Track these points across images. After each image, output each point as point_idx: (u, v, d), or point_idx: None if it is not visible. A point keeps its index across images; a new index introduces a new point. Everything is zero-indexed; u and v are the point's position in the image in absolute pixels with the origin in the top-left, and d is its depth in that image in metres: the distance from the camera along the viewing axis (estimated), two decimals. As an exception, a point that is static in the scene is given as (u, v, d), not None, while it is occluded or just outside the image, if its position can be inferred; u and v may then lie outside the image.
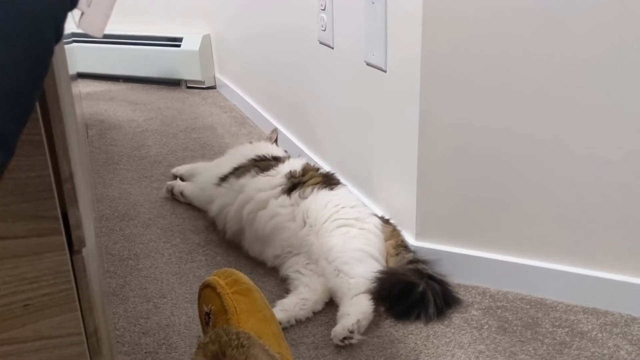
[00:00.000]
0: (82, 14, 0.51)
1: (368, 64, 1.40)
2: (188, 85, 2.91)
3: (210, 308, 0.98)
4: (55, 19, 0.47)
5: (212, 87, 2.90)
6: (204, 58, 2.82)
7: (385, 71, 1.34)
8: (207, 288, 1.00)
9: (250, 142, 1.75)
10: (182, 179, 1.82)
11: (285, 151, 1.78)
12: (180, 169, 1.85)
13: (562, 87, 1.14)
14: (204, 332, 1.01)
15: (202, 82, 2.86)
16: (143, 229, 1.59)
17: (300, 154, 1.92)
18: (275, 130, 1.85)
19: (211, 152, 2.11)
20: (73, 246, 0.61)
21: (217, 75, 2.88)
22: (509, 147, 1.21)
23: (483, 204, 1.27)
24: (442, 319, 1.20)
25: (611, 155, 1.14)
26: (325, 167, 1.75)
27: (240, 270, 1.37)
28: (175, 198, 1.74)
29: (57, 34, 0.47)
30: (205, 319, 0.99)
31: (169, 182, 1.77)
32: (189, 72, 2.85)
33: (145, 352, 1.13)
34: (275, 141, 1.79)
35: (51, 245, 0.59)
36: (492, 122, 1.21)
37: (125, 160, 2.05)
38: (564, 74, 1.13)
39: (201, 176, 1.68)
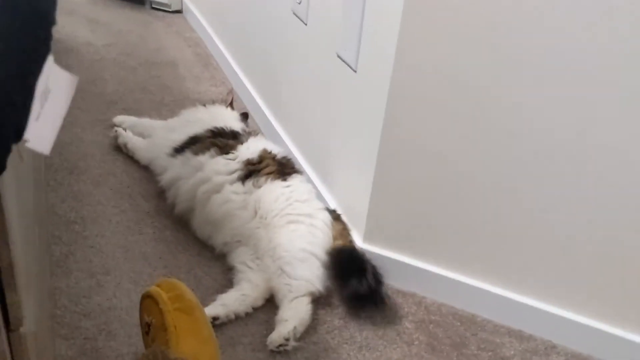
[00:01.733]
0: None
1: (339, 57, 1.36)
2: (153, 5, 2.76)
3: (151, 320, 0.99)
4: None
5: (179, 11, 2.76)
6: (172, -20, 2.67)
7: (355, 71, 1.30)
8: (149, 298, 1.01)
9: (205, 105, 1.69)
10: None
11: (244, 114, 1.74)
12: (124, 122, 1.76)
13: (528, 112, 1.14)
14: (144, 340, 1.03)
15: (169, 6, 2.72)
16: (92, 187, 1.56)
17: (262, 117, 1.88)
18: (231, 92, 1.80)
19: (170, 96, 2.04)
20: (10, 325, 0.61)
21: (185, -1, 2.73)
22: (466, 166, 1.22)
23: (433, 217, 1.30)
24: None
25: (553, 187, 1.17)
26: (286, 137, 1.73)
27: (187, 251, 1.40)
28: (118, 146, 1.70)
29: (-1, 169, 0.44)
30: (145, 329, 1.01)
31: (117, 129, 1.71)
32: (156, -8, 2.69)
33: (85, 338, 1.15)
34: (231, 104, 1.74)
35: (-13, 329, 0.58)
36: (454, 142, 1.21)
37: (79, 95, 1.97)
38: (533, 97, 1.13)
39: (153, 140, 1.63)
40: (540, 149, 1.15)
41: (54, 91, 0.47)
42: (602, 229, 1.16)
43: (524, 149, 1.16)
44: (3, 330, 0.59)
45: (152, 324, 0.99)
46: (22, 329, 0.61)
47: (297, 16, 1.57)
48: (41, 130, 0.48)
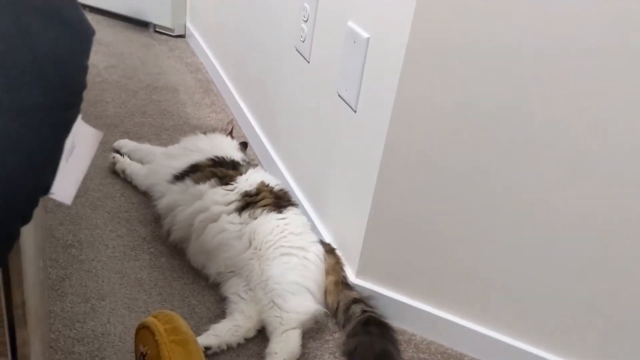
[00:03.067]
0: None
1: (340, 96, 1.40)
2: (156, 29, 2.80)
3: (147, 351, 1.01)
4: (22, 208, 0.47)
5: (181, 36, 2.80)
6: (176, 5, 2.71)
7: (355, 111, 1.34)
8: (145, 329, 1.03)
9: (205, 134, 1.72)
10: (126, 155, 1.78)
11: (243, 143, 1.77)
12: (124, 146, 1.79)
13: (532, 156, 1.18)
14: (138, 370, 1.05)
15: (172, 30, 2.76)
16: (90, 210, 1.58)
17: (261, 147, 1.92)
18: (231, 121, 1.84)
19: (170, 121, 2.08)
20: (17, 360, 0.63)
21: (188, 24, 2.78)
22: (461, 208, 1.26)
23: (426, 256, 1.32)
24: None
25: (546, 234, 1.20)
26: (283, 169, 1.76)
27: (182, 279, 1.42)
28: (115, 171, 1.72)
29: (23, 220, 0.47)
30: (140, 359, 1.03)
31: (115, 155, 1.74)
32: (159, 16, 2.74)
33: (78, 364, 1.16)
34: (230, 133, 1.77)
35: (-5, 365, 0.60)
36: (450, 184, 1.24)
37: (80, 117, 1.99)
38: (538, 139, 1.17)
39: (152, 166, 1.66)
40: (539, 194, 1.19)
41: (78, 146, 0.50)
42: (595, 276, 1.20)
43: (522, 194, 1.20)
44: (11, 366, 0.61)
45: (147, 355, 1.01)
46: (28, 364, 0.64)
47: (299, 53, 1.61)
48: (65, 183, 0.51)
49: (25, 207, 0.46)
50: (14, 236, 0.47)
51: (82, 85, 0.53)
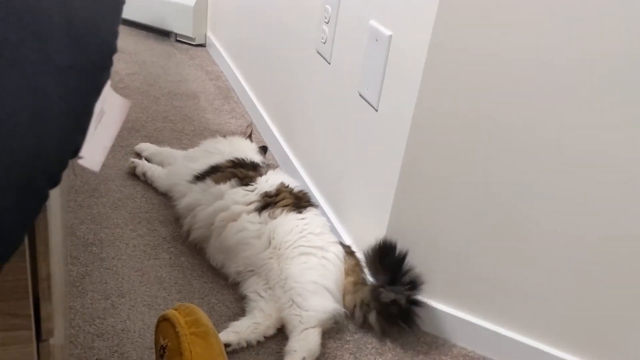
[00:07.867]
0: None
1: (361, 96, 1.40)
2: (177, 38, 2.83)
3: (167, 343, 1.00)
4: (52, 169, 0.47)
5: (202, 45, 2.83)
6: (198, 15, 2.74)
7: (376, 110, 1.34)
8: (166, 322, 1.02)
9: (225, 137, 1.73)
10: (146, 159, 1.79)
11: (263, 147, 1.78)
12: (145, 150, 1.81)
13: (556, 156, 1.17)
14: (157, 362, 1.05)
15: (193, 39, 2.79)
16: (111, 210, 1.59)
17: (280, 150, 1.92)
18: (251, 125, 1.85)
19: (190, 126, 2.09)
20: (41, 335, 0.63)
21: (209, 34, 2.81)
22: (485, 210, 1.24)
23: (446, 259, 1.31)
24: None
25: (582, 239, 1.18)
26: (303, 172, 1.76)
27: (202, 277, 1.41)
28: (135, 175, 1.73)
29: (52, 182, 0.47)
30: (160, 352, 1.02)
31: (134, 160, 1.75)
32: (181, 26, 2.77)
33: (97, 359, 1.16)
34: (250, 136, 1.78)
35: (19, 338, 0.60)
36: (474, 185, 1.23)
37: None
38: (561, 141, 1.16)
39: (173, 168, 1.67)
40: (564, 199, 1.17)
41: (107, 113, 0.50)
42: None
43: (549, 199, 1.19)
44: (34, 340, 0.61)
45: (167, 347, 1.00)
46: (51, 340, 0.63)
47: (321, 55, 1.62)
48: (93, 149, 0.51)
49: (54, 168, 0.46)
50: (43, 197, 0.47)
51: (113, 49, 0.53)
